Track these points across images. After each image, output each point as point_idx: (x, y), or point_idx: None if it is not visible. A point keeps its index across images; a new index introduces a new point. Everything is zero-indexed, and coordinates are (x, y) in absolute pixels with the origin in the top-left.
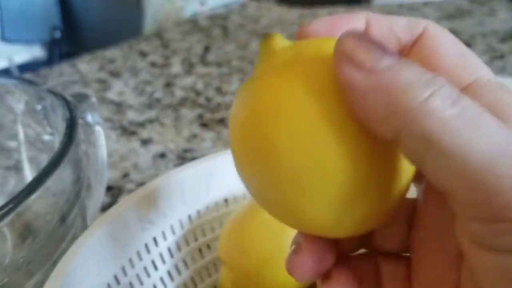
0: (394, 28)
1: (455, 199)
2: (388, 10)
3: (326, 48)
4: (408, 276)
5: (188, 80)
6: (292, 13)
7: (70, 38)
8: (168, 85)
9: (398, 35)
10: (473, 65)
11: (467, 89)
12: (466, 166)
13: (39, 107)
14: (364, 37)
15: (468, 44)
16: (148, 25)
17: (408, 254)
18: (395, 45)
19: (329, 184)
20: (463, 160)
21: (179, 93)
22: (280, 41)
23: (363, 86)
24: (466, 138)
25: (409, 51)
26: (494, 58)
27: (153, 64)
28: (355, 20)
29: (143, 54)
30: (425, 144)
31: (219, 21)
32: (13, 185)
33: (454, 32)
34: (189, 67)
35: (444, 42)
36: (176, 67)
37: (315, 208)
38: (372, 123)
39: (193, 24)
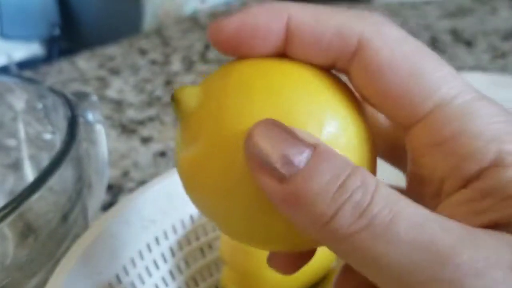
0: (321, 39)
1: None
2: (390, 9)
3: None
4: None
5: (188, 78)
6: None
7: (69, 35)
8: (168, 83)
9: (326, 50)
10: (430, 84)
11: (426, 121)
12: (385, 277)
13: (39, 105)
14: (274, 132)
15: (469, 42)
16: (148, 23)
17: None
18: (324, 60)
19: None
20: (380, 274)
21: None
22: (187, 96)
23: (276, 196)
24: (375, 254)
25: (347, 72)
26: (496, 57)
27: (153, 62)
28: (272, 23)
29: (143, 52)
30: (342, 256)
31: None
32: (12, 184)
33: (456, 30)
34: (189, 65)
35: (388, 58)
36: (176, 64)
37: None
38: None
39: (193, 22)
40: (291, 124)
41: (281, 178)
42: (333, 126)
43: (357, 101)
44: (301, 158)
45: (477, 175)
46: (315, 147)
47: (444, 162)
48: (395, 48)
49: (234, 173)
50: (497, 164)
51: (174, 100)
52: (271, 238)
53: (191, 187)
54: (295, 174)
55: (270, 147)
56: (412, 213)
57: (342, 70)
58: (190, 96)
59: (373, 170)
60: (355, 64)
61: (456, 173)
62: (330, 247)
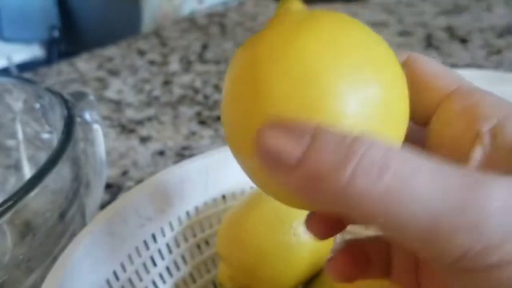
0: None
1: (421, 255)
2: (386, 7)
3: (339, 16)
4: (416, 269)
5: (186, 78)
6: None
7: (69, 37)
8: (166, 83)
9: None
10: (454, 76)
11: (450, 96)
12: (412, 236)
13: (37, 105)
14: (281, 129)
15: (465, 39)
16: (146, 23)
17: None
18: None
19: None
20: (406, 232)
21: (177, 91)
22: (297, 5)
23: (294, 186)
24: (399, 212)
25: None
26: (491, 53)
27: (151, 62)
28: None
29: (141, 52)
30: (368, 221)
31: (217, 19)
32: (13, 184)
33: (452, 27)
34: (187, 65)
35: (426, 61)
36: (174, 65)
37: None
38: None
39: (191, 22)
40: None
41: (293, 167)
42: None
43: (401, 73)
44: (302, 147)
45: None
46: (314, 134)
47: (466, 125)
48: (430, 59)
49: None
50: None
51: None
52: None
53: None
54: (303, 158)
55: (276, 145)
56: (428, 166)
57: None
58: (299, 4)
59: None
60: (404, 66)
61: (471, 131)
62: (354, 214)
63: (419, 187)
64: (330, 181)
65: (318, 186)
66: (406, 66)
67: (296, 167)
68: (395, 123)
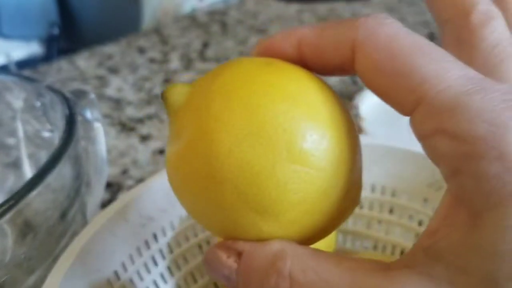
0: (323, 53)
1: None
2: (388, 6)
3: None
4: None
5: (187, 76)
6: (291, 9)
7: (68, 34)
8: (167, 81)
9: (331, 59)
10: (412, 80)
11: (413, 115)
12: None
13: (38, 103)
14: (217, 255)
15: None
16: (147, 21)
17: None
18: (332, 67)
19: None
20: None
21: None
22: (175, 94)
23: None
24: None
25: (352, 69)
26: None
27: (151, 60)
28: (288, 43)
29: (141, 50)
30: None
31: (217, 17)
32: (12, 182)
33: None
34: (188, 63)
35: (375, 60)
36: (175, 63)
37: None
38: None
39: (191, 20)
40: (261, 137)
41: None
42: (306, 144)
43: (343, 112)
44: (233, 273)
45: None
46: (240, 255)
47: (430, 155)
48: (383, 49)
49: (209, 173)
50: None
51: (163, 97)
52: (251, 231)
53: (174, 180)
54: (236, 284)
55: (216, 271)
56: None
57: (352, 72)
58: (179, 94)
59: (353, 184)
60: (356, 67)
61: (439, 167)
62: None
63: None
64: None
65: None
66: (357, 64)
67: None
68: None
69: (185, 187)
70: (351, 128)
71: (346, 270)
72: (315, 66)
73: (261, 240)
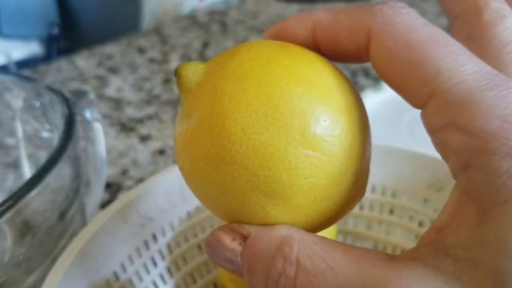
0: (338, 38)
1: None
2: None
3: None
4: None
5: None
6: (291, 9)
7: (68, 34)
8: (167, 81)
9: (345, 45)
10: (427, 72)
11: (426, 108)
12: None
13: (37, 103)
14: (219, 244)
15: None
16: (147, 21)
17: None
18: (346, 54)
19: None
20: None
21: (177, 89)
22: (189, 72)
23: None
24: None
25: (366, 57)
26: None
27: (151, 60)
28: (302, 27)
29: (141, 50)
30: None
31: (218, 17)
32: (12, 182)
33: None
34: None
35: (390, 49)
36: (175, 63)
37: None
38: None
39: (191, 20)
40: (275, 119)
41: (236, 271)
42: (320, 129)
43: (357, 99)
44: (238, 256)
45: (462, 170)
46: (246, 238)
47: (440, 148)
48: (399, 39)
49: (219, 154)
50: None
51: (177, 74)
52: (257, 215)
53: (183, 159)
54: (239, 268)
55: (219, 254)
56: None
57: (366, 59)
58: (193, 72)
59: (362, 170)
60: (370, 55)
61: (448, 162)
62: None
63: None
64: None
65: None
66: (372, 51)
67: (236, 272)
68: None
69: (193, 167)
70: (364, 116)
71: (353, 259)
72: (329, 51)
73: (267, 225)
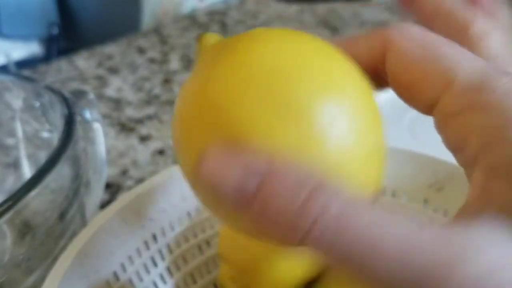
0: (357, 56)
1: None
2: (388, 7)
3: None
4: None
5: (186, 76)
6: (291, 9)
7: (68, 34)
8: (167, 81)
9: (362, 61)
10: (446, 64)
11: (444, 96)
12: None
13: (37, 104)
14: (224, 157)
15: None
16: (147, 21)
17: None
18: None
19: None
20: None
21: (177, 90)
22: (212, 39)
23: (244, 217)
24: (357, 266)
25: (383, 72)
26: None
27: (151, 60)
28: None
29: (141, 50)
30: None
31: (218, 17)
32: (12, 183)
33: None
34: (188, 63)
35: (409, 48)
36: (174, 63)
37: None
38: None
39: (191, 20)
40: (287, 111)
41: (239, 206)
42: (330, 120)
43: (368, 88)
44: (253, 184)
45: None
46: (267, 166)
47: (459, 133)
48: (414, 39)
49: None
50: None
51: (199, 38)
52: None
53: (181, 115)
54: (252, 199)
55: (221, 179)
56: (388, 232)
57: (383, 74)
58: (213, 38)
59: (376, 160)
60: (386, 62)
61: (466, 146)
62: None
63: (383, 254)
64: (282, 229)
65: (267, 227)
66: (387, 62)
67: (243, 208)
68: (368, 164)
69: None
70: (379, 117)
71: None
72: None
73: None
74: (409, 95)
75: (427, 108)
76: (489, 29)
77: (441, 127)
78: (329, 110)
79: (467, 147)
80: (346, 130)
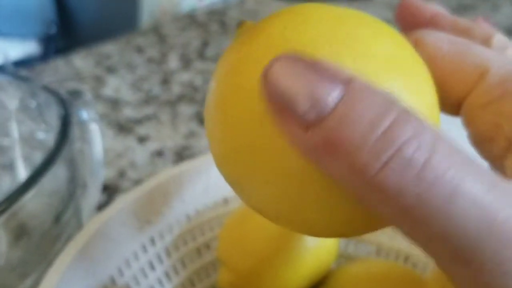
0: None
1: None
2: (390, 5)
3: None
4: None
5: (185, 76)
6: None
7: (66, 33)
8: (165, 81)
9: None
10: (479, 56)
11: (477, 87)
12: (438, 249)
13: (33, 104)
14: (298, 67)
15: None
16: (145, 20)
17: None
18: None
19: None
20: (432, 244)
21: (176, 89)
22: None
23: (304, 145)
24: (428, 222)
25: None
26: None
27: (150, 60)
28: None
29: (139, 50)
30: (386, 217)
31: (217, 16)
32: (7, 184)
33: None
34: (186, 63)
35: (437, 44)
36: (173, 62)
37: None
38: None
39: (190, 19)
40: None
41: (309, 124)
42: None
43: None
44: (332, 97)
45: None
46: (349, 82)
47: (491, 122)
48: (444, 38)
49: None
50: None
51: (239, 25)
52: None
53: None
54: (326, 118)
55: (292, 87)
56: (474, 187)
57: None
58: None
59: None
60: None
61: (498, 134)
62: (373, 207)
63: (459, 210)
64: (354, 159)
65: (334, 157)
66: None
67: (314, 126)
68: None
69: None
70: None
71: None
72: None
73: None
74: (440, 91)
75: (456, 105)
76: (507, 41)
77: (470, 120)
78: (396, 48)
79: (499, 135)
80: (413, 73)
